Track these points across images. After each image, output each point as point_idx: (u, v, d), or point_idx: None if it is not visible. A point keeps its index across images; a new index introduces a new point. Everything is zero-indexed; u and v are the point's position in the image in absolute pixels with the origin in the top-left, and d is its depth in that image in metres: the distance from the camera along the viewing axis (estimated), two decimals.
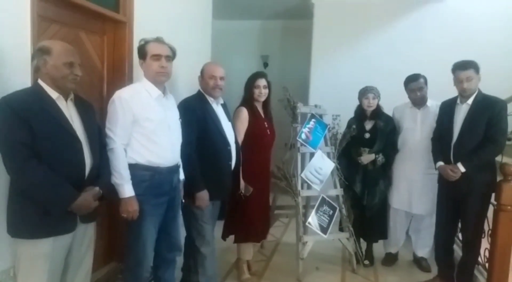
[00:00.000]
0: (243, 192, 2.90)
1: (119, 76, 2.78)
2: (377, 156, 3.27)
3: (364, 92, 3.34)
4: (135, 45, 2.82)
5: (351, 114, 3.54)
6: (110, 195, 2.06)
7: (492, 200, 2.79)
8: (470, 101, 2.79)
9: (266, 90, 3.02)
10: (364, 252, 3.52)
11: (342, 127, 3.49)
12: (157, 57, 2.21)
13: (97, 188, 1.88)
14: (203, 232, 2.64)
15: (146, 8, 2.95)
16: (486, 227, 2.84)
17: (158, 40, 2.27)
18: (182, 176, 2.47)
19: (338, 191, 3.39)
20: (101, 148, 2.01)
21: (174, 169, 2.32)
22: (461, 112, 2.83)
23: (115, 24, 2.74)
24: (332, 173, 3.38)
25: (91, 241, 2.01)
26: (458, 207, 2.87)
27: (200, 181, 2.52)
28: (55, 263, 1.81)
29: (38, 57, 1.77)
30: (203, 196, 2.52)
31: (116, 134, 2.10)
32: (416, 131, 3.29)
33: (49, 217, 1.74)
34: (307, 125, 3.35)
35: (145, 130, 2.16)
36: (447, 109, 2.95)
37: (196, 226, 2.64)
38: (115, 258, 2.83)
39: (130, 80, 2.83)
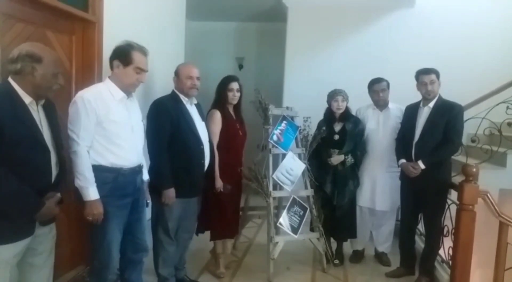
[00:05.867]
0: (221, 189, 2.99)
1: (88, 77, 2.75)
2: (346, 157, 3.34)
3: (333, 95, 3.42)
4: (105, 45, 2.82)
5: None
6: (74, 198, 2.05)
7: (454, 199, 2.95)
8: (431, 104, 3.03)
9: (239, 94, 3.15)
10: (334, 252, 3.58)
11: (313, 129, 3.54)
12: (140, 70, 2.23)
13: (58, 194, 1.87)
14: (168, 230, 2.70)
15: (116, 7, 2.92)
16: (450, 226, 2.97)
17: (144, 52, 2.27)
18: (146, 177, 2.48)
19: (309, 192, 3.43)
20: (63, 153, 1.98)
21: (137, 170, 2.32)
22: (423, 115, 3.07)
23: (84, 24, 2.70)
24: (303, 174, 3.42)
25: (53, 242, 1.99)
26: (419, 201, 3.11)
27: (168, 179, 2.56)
28: (14, 268, 1.78)
29: (24, 63, 1.71)
30: (170, 193, 2.56)
31: (80, 136, 2.05)
32: (378, 132, 3.44)
33: (10, 223, 1.70)
34: (279, 127, 3.40)
35: (108, 133, 2.13)
36: (411, 112, 3.18)
37: (162, 223, 2.69)
38: (83, 261, 2.79)
39: (99, 81, 2.79)
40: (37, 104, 1.80)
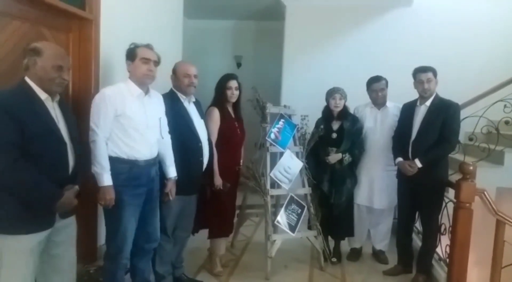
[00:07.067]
0: (221, 187, 2.99)
1: (85, 75, 2.75)
2: (344, 155, 3.34)
3: (331, 93, 3.41)
4: (102, 43, 2.82)
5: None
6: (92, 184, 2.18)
7: (451, 196, 2.96)
8: (428, 103, 3.02)
9: (237, 92, 3.14)
10: (331, 250, 3.58)
11: (310, 128, 3.54)
12: (146, 60, 2.35)
13: (76, 186, 1.95)
14: (166, 228, 2.71)
15: (113, 5, 2.91)
16: (447, 224, 2.97)
17: (148, 46, 2.42)
18: (173, 174, 2.59)
19: (307, 190, 3.44)
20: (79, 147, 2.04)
21: (151, 162, 2.43)
22: (420, 113, 3.06)
23: (80, 22, 2.70)
24: (300, 172, 3.42)
25: (74, 233, 2.06)
26: (416, 199, 3.10)
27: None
28: (36, 258, 1.85)
29: (28, 57, 1.80)
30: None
31: (99, 127, 2.23)
32: (376, 131, 3.44)
33: (32, 213, 1.77)
34: (276, 125, 3.39)
35: (123, 126, 2.29)
36: (408, 110, 3.17)
37: (160, 220, 2.68)
38: (79, 260, 2.77)
39: (96, 79, 2.80)
40: (52, 101, 1.88)
